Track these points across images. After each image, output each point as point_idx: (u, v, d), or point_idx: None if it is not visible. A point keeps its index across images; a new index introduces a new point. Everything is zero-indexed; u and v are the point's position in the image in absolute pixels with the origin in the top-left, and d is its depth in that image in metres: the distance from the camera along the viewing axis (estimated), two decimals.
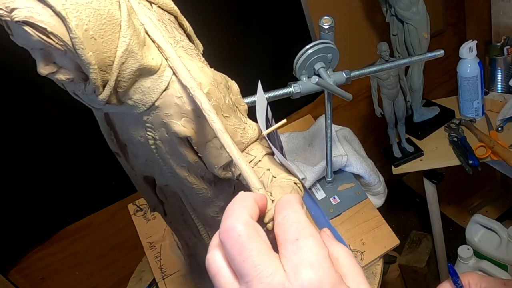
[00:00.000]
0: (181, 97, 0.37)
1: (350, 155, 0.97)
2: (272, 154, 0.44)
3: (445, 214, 1.69)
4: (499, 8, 1.47)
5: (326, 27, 0.68)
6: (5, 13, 0.28)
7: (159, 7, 0.40)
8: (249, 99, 0.61)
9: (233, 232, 0.26)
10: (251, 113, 0.45)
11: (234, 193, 0.50)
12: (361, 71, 0.74)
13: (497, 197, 1.75)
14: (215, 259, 0.28)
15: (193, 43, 0.44)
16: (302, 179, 0.94)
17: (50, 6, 0.28)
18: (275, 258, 0.26)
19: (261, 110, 0.43)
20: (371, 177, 0.98)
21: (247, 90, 0.56)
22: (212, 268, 0.28)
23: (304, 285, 0.24)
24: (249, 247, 0.25)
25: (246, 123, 0.43)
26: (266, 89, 0.56)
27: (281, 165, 0.42)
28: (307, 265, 0.25)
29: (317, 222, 0.45)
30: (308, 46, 0.68)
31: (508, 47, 1.32)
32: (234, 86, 0.43)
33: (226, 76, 0.42)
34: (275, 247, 0.27)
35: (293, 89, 0.68)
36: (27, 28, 0.29)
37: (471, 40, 1.20)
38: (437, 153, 1.23)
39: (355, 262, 0.29)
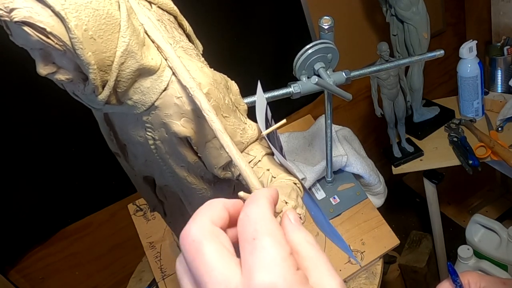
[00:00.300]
0: (181, 97, 0.37)
1: (350, 155, 0.97)
2: (272, 154, 0.44)
3: (445, 214, 1.69)
4: (499, 8, 1.46)
5: (326, 27, 0.68)
6: (4, 13, 0.28)
7: (158, 7, 0.40)
8: (249, 99, 0.61)
9: (188, 237, 0.25)
10: (251, 113, 0.45)
11: (234, 193, 0.50)
12: (361, 71, 0.74)
13: (497, 197, 1.75)
14: (177, 267, 0.27)
15: (192, 43, 0.44)
16: (302, 179, 0.94)
17: (49, 6, 0.28)
18: (233, 261, 0.24)
19: (261, 110, 0.43)
20: (371, 177, 0.98)
21: (247, 90, 0.56)
22: (177, 276, 0.27)
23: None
24: (203, 251, 0.24)
25: (245, 123, 0.43)
26: (266, 89, 0.56)
27: (281, 165, 0.42)
28: (261, 268, 0.23)
29: (317, 222, 0.45)
30: (308, 46, 0.68)
31: (508, 47, 1.32)
32: (233, 86, 0.43)
33: (225, 76, 0.42)
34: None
35: (293, 89, 0.68)
36: (26, 28, 0.29)
37: (471, 40, 1.20)
38: (437, 153, 1.23)
39: (317, 252, 0.28)
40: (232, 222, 0.28)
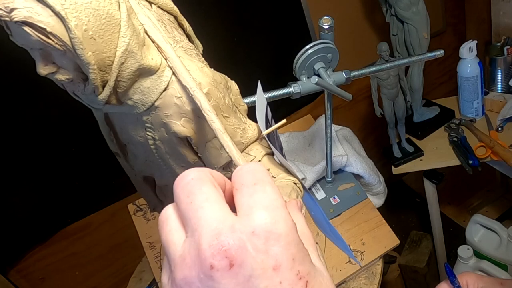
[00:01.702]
0: (181, 97, 0.37)
1: (350, 155, 0.97)
2: (272, 154, 0.44)
3: (445, 214, 1.69)
4: (499, 8, 1.46)
5: (326, 27, 0.68)
6: (5, 13, 0.28)
7: (158, 7, 0.40)
8: (249, 99, 0.61)
9: (186, 177, 0.24)
10: (251, 113, 0.45)
11: None
12: (361, 71, 0.74)
13: (497, 197, 1.75)
14: (163, 212, 0.26)
15: (192, 43, 0.44)
16: (302, 179, 0.94)
17: (49, 6, 0.28)
18: (227, 207, 0.23)
19: (261, 110, 0.43)
20: (371, 177, 0.98)
21: (247, 90, 0.56)
22: (159, 221, 0.25)
23: (257, 226, 0.22)
24: (199, 189, 0.23)
25: (245, 123, 0.43)
26: (266, 89, 0.56)
27: (281, 165, 0.42)
28: (262, 207, 0.23)
29: (317, 222, 0.45)
30: (308, 46, 0.68)
31: (508, 47, 1.32)
32: (233, 86, 0.43)
33: (225, 76, 0.42)
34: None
35: (293, 89, 0.68)
36: (26, 28, 0.29)
37: (471, 40, 1.20)
38: (437, 153, 1.23)
39: (311, 235, 0.28)
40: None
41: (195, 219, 0.22)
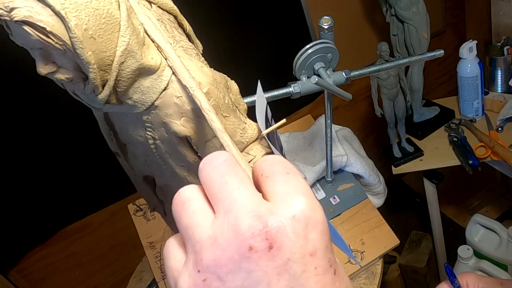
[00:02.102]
0: (181, 96, 0.37)
1: (350, 155, 0.97)
2: (272, 154, 0.44)
3: (445, 214, 1.69)
4: (499, 8, 1.46)
5: (325, 27, 0.68)
6: (4, 12, 0.28)
7: (158, 6, 0.40)
8: (249, 99, 0.61)
9: (217, 158, 0.24)
10: (251, 113, 0.45)
11: None
12: (361, 71, 0.74)
13: (497, 197, 1.75)
14: (181, 193, 0.24)
15: (192, 43, 0.44)
16: None
17: (49, 6, 0.28)
18: (259, 193, 0.23)
19: (261, 110, 0.43)
20: (371, 177, 0.98)
21: (247, 90, 0.56)
22: (177, 202, 0.24)
23: (297, 211, 0.22)
24: (233, 171, 0.23)
25: (245, 123, 0.43)
26: (265, 89, 0.56)
27: None
28: (300, 193, 0.23)
29: None
30: (307, 46, 0.68)
31: (508, 47, 1.32)
32: (233, 85, 0.43)
33: (225, 75, 0.42)
34: None
35: (292, 89, 0.68)
36: (26, 28, 0.29)
37: (471, 40, 1.20)
38: (437, 153, 1.23)
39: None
40: None
41: (230, 199, 0.22)
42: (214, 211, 0.23)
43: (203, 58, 0.42)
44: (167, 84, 0.36)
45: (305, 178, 0.94)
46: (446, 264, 0.52)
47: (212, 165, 0.24)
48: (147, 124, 0.39)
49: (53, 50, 0.31)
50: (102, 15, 0.31)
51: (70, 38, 0.29)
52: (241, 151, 0.42)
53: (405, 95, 1.19)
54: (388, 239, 0.87)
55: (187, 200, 0.24)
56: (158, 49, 0.36)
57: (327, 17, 0.68)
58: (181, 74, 0.34)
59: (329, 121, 0.82)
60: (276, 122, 0.41)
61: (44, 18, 0.29)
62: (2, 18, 0.28)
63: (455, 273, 0.50)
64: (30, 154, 0.99)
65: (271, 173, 0.24)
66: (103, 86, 0.34)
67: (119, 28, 0.32)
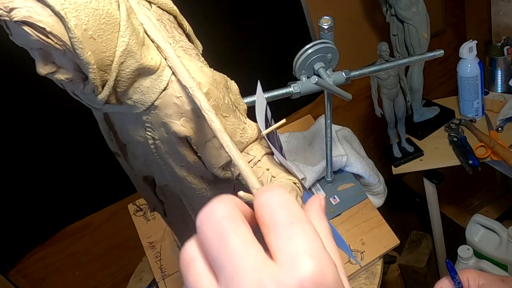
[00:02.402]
0: (180, 96, 0.37)
1: (350, 155, 0.97)
2: (272, 154, 0.44)
3: (445, 214, 1.69)
4: (499, 8, 1.46)
5: (325, 27, 0.68)
6: (4, 13, 0.28)
7: (158, 7, 0.40)
8: (249, 99, 0.61)
9: (214, 215, 0.21)
10: (251, 113, 0.45)
11: (234, 193, 0.50)
12: (361, 71, 0.74)
13: (497, 197, 1.75)
14: (187, 250, 0.23)
15: (192, 43, 0.44)
16: (302, 179, 0.94)
17: (49, 6, 0.28)
18: (262, 250, 0.21)
19: (261, 110, 0.43)
20: (371, 177, 0.98)
21: (247, 90, 0.56)
22: (183, 260, 0.22)
23: (305, 278, 0.20)
24: (232, 231, 0.21)
25: (245, 123, 0.43)
26: (265, 89, 0.57)
27: (281, 165, 0.42)
28: (306, 255, 0.20)
29: None
30: (307, 46, 0.68)
31: (508, 47, 1.32)
32: (233, 86, 0.43)
33: (225, 76, 0.42)
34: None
35: (292, 89, 0.68)
36: (26, 28, 0.29)
37: (471, 40, 1.20)
38: (437, 153, 1.23)
39: (338, 253, 0.25)
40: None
41: (231, 267, 0.20)
42: (216, 277, 0.21)
43: (202, 58, 0.42)
44: (167, 84, 0.36)
45: (305, 178, 0.94)
46: (448, 260, 0.52)
47: (208, 224, 0.22)
48: (147, 124, 0.39)
49: (52, 51, 0.31)
50: (102, 15, 0.31)
51: (70, 38, 0.29)
52: (241, 151, 0.42)
53: (405, 95, 1.19)
54: (388, 239, 0.87)
55: (192, 260, 0.22)
56: (157, 49, 0.36)
57: (327, 17, 0.68)
58: (180, 74, 0.34)
59: (329, 121, 0.82)
60: (276, 122, 0.41)
61: (43, 18, 0.29)
62: (1, 18, 0.28)
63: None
64: (30, 154, 0.99)
65: (273, 224, 0.22)
66: (103, 86, 0.34)
67: (119, 28, 0.32)
